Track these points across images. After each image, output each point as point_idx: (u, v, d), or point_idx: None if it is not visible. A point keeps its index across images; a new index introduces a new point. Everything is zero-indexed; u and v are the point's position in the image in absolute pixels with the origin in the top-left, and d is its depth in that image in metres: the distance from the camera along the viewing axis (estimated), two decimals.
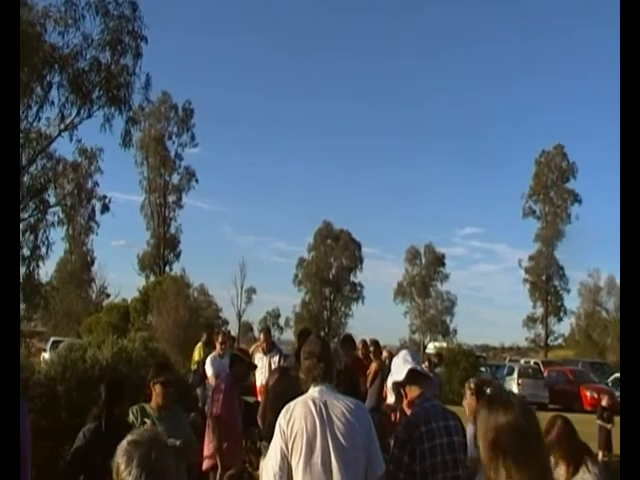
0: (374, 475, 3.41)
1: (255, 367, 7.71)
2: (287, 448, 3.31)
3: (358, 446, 3.37)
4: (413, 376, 3.75)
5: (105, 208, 50.69)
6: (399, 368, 3.82)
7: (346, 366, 7.79)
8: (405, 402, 3.80)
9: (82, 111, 21.83)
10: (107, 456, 4.34)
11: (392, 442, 3.65)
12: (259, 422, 6.43)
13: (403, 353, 3.99)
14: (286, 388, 6.13)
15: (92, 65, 21.58)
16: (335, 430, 3.34)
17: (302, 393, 3.57)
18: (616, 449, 11.96)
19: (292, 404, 3.45)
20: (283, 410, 3.44)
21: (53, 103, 21.64)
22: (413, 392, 3.74)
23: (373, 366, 9.22)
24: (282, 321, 63.29)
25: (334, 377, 3.68)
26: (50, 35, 21.02)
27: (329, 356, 3.70)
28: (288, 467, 3.29)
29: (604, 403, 13.54)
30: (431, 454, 3.50)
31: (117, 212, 74.03)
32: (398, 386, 3.82)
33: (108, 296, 49.30)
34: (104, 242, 67.66)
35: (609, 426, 12.54)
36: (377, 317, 75.08)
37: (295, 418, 3.35)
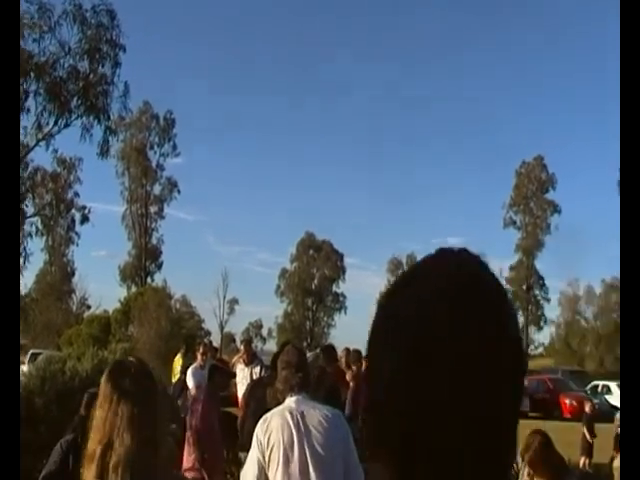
0: None
1: (234, 376, 7.71)
2: (264, 459, 3.31)
3: (336, 456, 3.35)
4: None
5: (85, 219, 50.19)
6: None
7: (325, 375, 7.81)
8: None
9: (60, 120, 21.64)
10: (80, 467, 4.34)
11: None
12: (239, 432, 6.44)
13: None
14: (263, 398, 6.17)
15: (70, 74, 21.40)
16: (312, 440, 3.32)
17: (279, 403, 3.58)
18: (596, 456, 12.11)
19: (269, 415, 3.44)
20: (260, 421, 3.43)
21: (29, 111, 21.43)
22: None
23: (349, 375, 9.26)
24: (265, 332, 63.27)
25: (311, 387, 3.70)
26: (25, 42, 20.75)
27: (306, 366, 3.70)
28: (265, 478, 3.29)
29: (587, 410, 13.71)
30: None
31: (98, 223, 73.66)
32: None
33: (89, 307, 48.85)
34: (85, 253, 67.43)
35: (589, 436, 12.67)
36: (359, 327, 74.71)
37: (272, 429, 3.34)
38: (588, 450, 12.53)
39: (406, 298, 0.79)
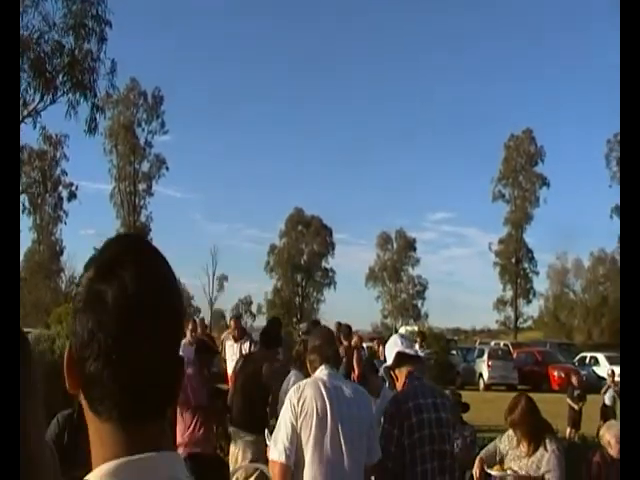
0: (370, 462, 3.52)
1: (218, 352, 7.74)
2: (297, 423, 3.38)
3: (362, 432, 3.49)
4: (401, 358, 3.87)
5: (72, 196, 49.77)
6: (389, 353, 3.95)
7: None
8: (398, 384, 3.91)
9: (45, 97, 21.34)
10: (75, 444, 4.37)
11: (382, 419, 3.76)
12: (228, 407, 6.48)
13: (393, 338, 4.12)
14: (253, 373, 6.20)
15: (55, 49, 21.06)
16: (344, 414, 3.43)
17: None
18: (584, 426, 12.27)
19: (301, 384, 3.55)
20: (294, 387, 3.55)
21: None
22: (402, 373, 3.86)
23: (342, 349, 9.29)
24: (254, 308, 63.41)
25: (339, 364, 3.84)
26: None
27: (335, 342, 3.86)
28: (297, 441, 3.37)
29: (574, 382, 13.83)
30: (419, 428, 3.62)
31: (86, 201, 73.15)
32: (389, 370, 3.94)
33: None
34: (73, 231, 66.92)
35: (576, 407, 12.82)
36: (349, 302, 75.44)
37: (306, 397, 3.43)
38: (575, 421, 12.70)
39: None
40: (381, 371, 4.99)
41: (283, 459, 3.35)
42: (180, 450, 6.36)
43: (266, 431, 4.03)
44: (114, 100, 47.41)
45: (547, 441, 4.56)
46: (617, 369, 26.38)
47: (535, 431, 4.62)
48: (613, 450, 5.50)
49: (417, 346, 13.93)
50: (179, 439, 6.37)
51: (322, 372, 3.59)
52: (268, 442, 3.88)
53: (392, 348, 3.93)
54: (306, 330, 7.82)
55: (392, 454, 3.60)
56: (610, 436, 5.58)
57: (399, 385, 3.89)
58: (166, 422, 0.99)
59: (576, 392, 13.16)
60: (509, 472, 4.77)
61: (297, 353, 5.37)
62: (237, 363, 6.76)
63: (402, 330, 32.62)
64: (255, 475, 5.74)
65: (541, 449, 4.57)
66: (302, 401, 3.42)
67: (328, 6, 79.00)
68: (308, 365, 3.74)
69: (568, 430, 12.39)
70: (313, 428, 3.37)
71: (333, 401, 3.44)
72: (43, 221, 53.54)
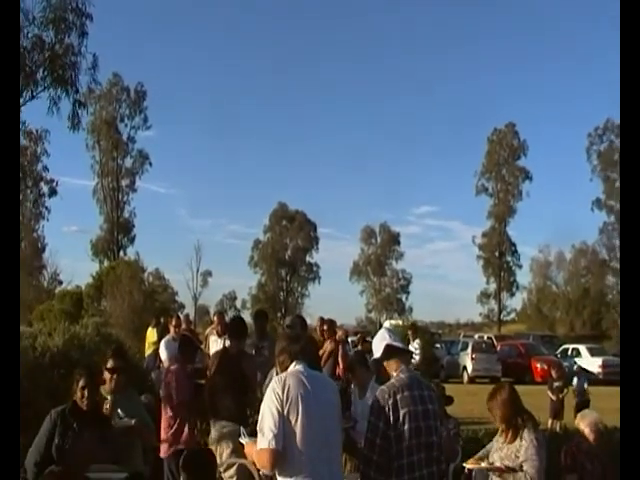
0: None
1: (202, 348, 7.74)
2: (283, 411, 3.53)
3: (336, 414, 3.78)
4: (390, 351, 3.93)
5: (53, 192, 49.25)
6: (377, 346, 3.99)
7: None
8: (386, 376, 3.97)
9: (25, 92, 21.09)
10: (65, 441, 4.40)
11: (368, 411, 3.86)
12: (206, 402, 6.48)
13: (381, 331, 4.16)
14: (228, 366, 6.20)
15: (35, 44, 20.79)
16: (322, 399, 3.66)
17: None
18: (567, 416, 12.40)
19: (282, 375, 3.70)
20: (275, 379, 3.71)
21: None
22: (391, 366, 3.92)
23: (327, 346, 9.31)
24: (239, 303, 63.31)
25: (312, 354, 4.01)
26: None
27: (302, 337, 4.03)
28: (284, 428, 3.51)
29: (554, 374, 14.02)
30: (405, 420, 3.66)
31: (68, 197, 72.59)
32: (378, 363, 3.96)
33: (60, 283, 48.26)
34: (56, 228, 66.38)
35: (554, 398, 13.03)
36: (333, 297, 75.48)
37: (289, 385, 3.59)
38: (557, 411, 12.86)
39: None
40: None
41: (273, 445, 3.46)
42: (164, 447, 6.35)
43: (241, 429, 4.06)
44: (96, 95, 47.04)
45: (526, 431, 4.58)
46: (599, 360, 26.89)
47: (513, 419, 4.64)
48: (589, 439, 5.58)
49: (413, 340, 14.07)
50: (162, 435, 6.36)
51: (295, 367, 3.75)
52: (242, 440, 3.91)
53: (380, 341, 3.97)
54: (290, 324, 7.86)
55: (377, 446, 3.64)
56: (584, 425, 5.66)
57: (388, 377, 3.93)
58: None
59: (555, 384, 13.37)
60: (483, 464, 4.80)
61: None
62: (213, 358, 6.74)
63: (387, 324, 32.69)
64: (235, 467, 5.74)
65: (519, 439, 4.60)
66: (286, 389, 3.57)
67: (323, 3, 78.84)
68: (279, 366, 3.89)
69: (550, 421, 12.55)
70: (300, 412, 3.52)
71: (315, 387, 3.64)
72: (24, 217, 53.06)
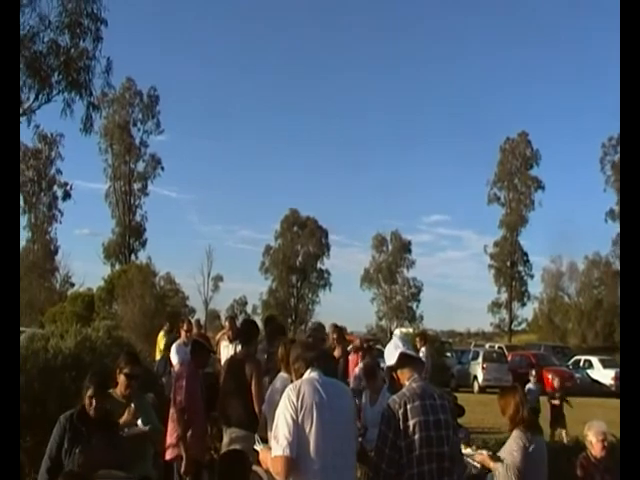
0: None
1: (213, 352, 7.74)
2: (297, 418, 3.56)
3: (351, 420, 3.84)
4: (404, 360, 3.93)
5: (67, 195, 49.59)
6: (391, 353, 3.99)
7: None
8: (399, 385, 3.98)
9: (40, 96, 21.25)
10: (73, 445, 4.41)
11: (379, 419, 3.87)
12: (217, 407, 6.47)
13: (394, 340, 4.17)
14: (235, 371, 6.21)
15: (50, 48, 20.98)
16: (336, 406, 3.70)
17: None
18: (569, 426, 12.33)
19: (297, 383, 3.76)
20: (290, 386, 3.76)
21: None
22: (405, 375, 3.92)
23: (336, 352, 9.28)
24: (249, 309, 63.36)
25: (326, 364, 4.12)
26: None
27: (316, 346, 4.24)
28: (298, 436, 3.54)
29: (555, 385, 14.13)
30: (415, 430, 3.65)
31: (81, 200, 72.92)
32: (391, 370, 4.00)
33: (72, 285, 48.42)
34: (68, 231, 66.81)
35: (553, 404, 13.01)
36: (344, 304, 75.47)
37: (304, 392, 3.64)
38: (559, 422, 12.81)
39: None
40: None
41: (287, 452, 3.50)
42: (169, 451, 6.32)
43: (256, 436, 4.06)
44: (109, 99, 47.35)
45: (516, 430, 4.77)
46: (611, 372, 26.68)
47: (515, 420, 4.80)
48: (595, 449, 5.56)
49: (420, 347, 14.02)
50: (169, 440, 6.30)
51: (310, 374, 3.81)
52: (257, 447, 3.90)
53: (394, 349, 3.97)
54: (316, 327, 8.23)
55: (386, 456, 3.62)
56: (591, 435, 5.65)
57: (400, 385, 3.93)
58: None
59: (557, 394, 13.37)
60: (478, 452, 5.01)
61: (281, 355, 5.38)
62: (225, 364, 6.74)
63: (397, 332, 32.62)
64: None
65: (511, 439, 4.80)
66: (301, 397, 3.61)
67: (327, 9, 79.06)
68: (294, 374, 3.95)
69: (558, 431, 12.55)
70: (315, 419, 3.56)
71: (329, 395, 3.68)
72: (38, 220, 53.38)
